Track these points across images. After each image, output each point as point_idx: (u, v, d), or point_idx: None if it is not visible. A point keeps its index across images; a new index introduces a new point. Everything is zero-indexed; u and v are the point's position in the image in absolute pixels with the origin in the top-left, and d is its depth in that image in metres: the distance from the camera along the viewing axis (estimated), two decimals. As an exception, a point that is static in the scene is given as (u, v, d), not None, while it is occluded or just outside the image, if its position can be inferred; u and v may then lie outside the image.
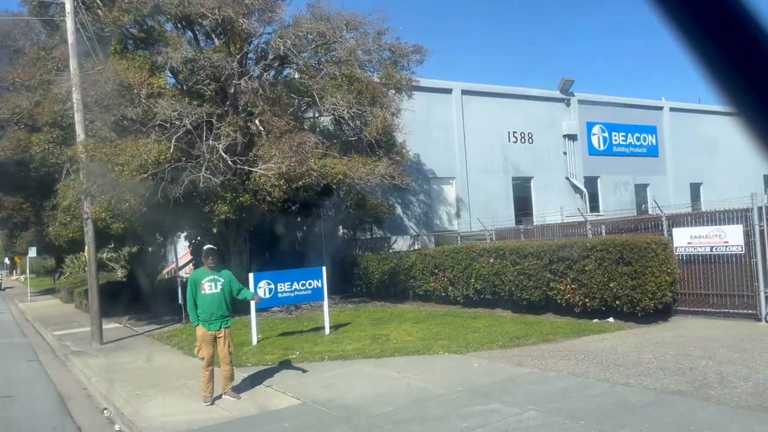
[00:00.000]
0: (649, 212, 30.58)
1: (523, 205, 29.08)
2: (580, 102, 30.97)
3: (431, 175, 26.56)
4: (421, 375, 8.57)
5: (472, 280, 15.55)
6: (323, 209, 23.99)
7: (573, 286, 12.60)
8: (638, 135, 32.94)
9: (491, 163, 28.10)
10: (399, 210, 25.51)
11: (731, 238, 11.21)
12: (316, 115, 19.27)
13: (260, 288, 11.99)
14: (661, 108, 34.22)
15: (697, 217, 11.80)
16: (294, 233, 24.05)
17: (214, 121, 14.98)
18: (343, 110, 15.85)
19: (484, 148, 27.86)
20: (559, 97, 30.42)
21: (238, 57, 15.71)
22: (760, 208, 10.82)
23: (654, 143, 33.54)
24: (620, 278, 11.59)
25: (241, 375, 8.94)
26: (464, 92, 27.66)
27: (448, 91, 27.39)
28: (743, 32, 0.80)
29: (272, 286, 12.30)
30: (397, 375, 8.69)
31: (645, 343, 9.68)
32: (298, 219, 23.03)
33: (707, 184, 34.54)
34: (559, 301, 13.05)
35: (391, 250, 21.96)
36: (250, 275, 12.09)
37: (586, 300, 12.34)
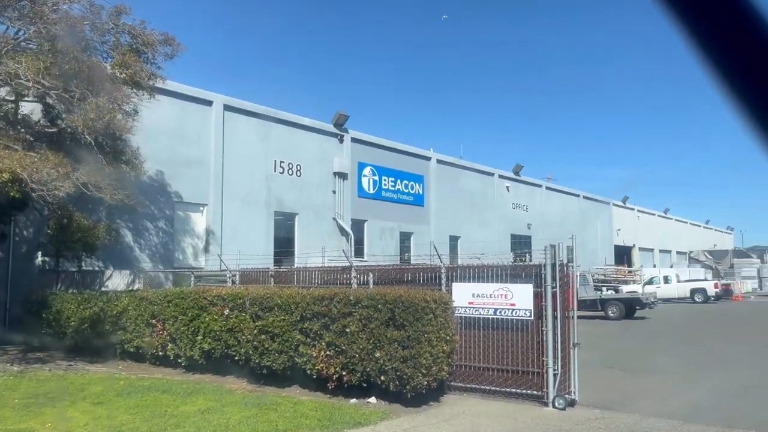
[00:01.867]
0: (411, 262, 29.75)
1: (285, 244, 25.81)
2: (354, 140, 29.24)
3: (177, 198, 21.94)
4: None
5: (200, 338, 11.52)
6: (16, 226, 17.86)
7: (329, 352, 9.39)
8: (407, 182, 32.33)
9: (252, 194, 24.45)
10: (129, 237, 20.32)
11: (519, 299, 9.08)
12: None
13: None
14: (429, 158, 34.30)
15: (481, 272, 9.56)
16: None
17: None
18: (29, 83, 10.89)
19: (245, 175, 24.16)
20: (333, 131, 28.27)
21: None
22: (554, 266, 8.85)
23: (421, 192, 33.26)
24: (389, 346, 8.69)
25: None
26: (228, 107, 23.81)
27: (208, 102, 23.29)
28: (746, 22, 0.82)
29: None
30: None
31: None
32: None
33: (464, 238, 35.21)
34: (309, 371, 9.74)
35: (104, 288, 16.76)
36: None
37: (344, 373, 9.21)
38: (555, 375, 8.77)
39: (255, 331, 10.39)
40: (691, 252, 64.27)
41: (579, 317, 24.55)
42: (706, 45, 0.85)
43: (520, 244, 41.02)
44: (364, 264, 17.35)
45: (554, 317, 8.82)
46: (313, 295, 9.79)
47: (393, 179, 31.45)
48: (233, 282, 13.46)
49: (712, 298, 37.38)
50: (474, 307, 9.55)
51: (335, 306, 9.35)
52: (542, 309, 8.90)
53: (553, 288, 8.84)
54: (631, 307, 26.45)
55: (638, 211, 59.91)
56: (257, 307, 10.45)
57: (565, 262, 9.10)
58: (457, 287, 9.76)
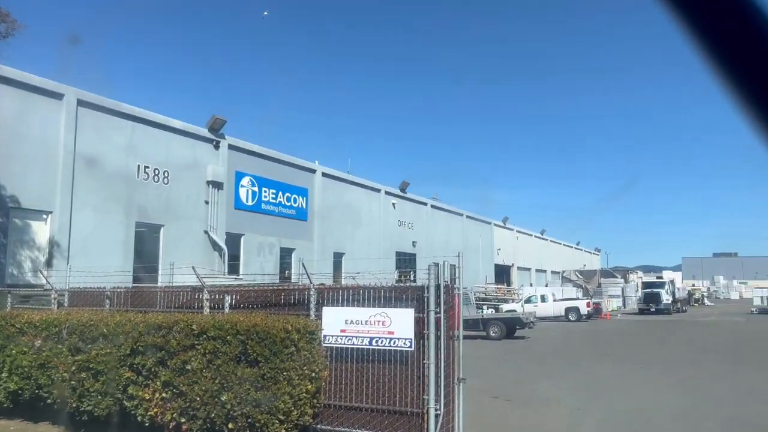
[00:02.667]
0: (292, 280, 27.90)
1: (148, 258, 23.03)
2: (232, 147, 27.07)
3: (13, 204, 18.74)
4: None
5: (4, 375, 9.15)
6: None
7: (164, 394, 7.53)
8: (289, 195, 30.54)
9: (109, 201, 21.57)
10: (-56, 248, 16.91)
11: (399, 327, 7.76)
12: None
13: None
14: (314, 171, 32.76)
15: (356, 294, 8.13)
16: None
17: None
18: None
19: (101, 180, 21.27)
20: (208, 136, 25.96)
21: None
22: (438, 287, 7.63)
23: (304, 206, 31.59)
24: (240, 387, 7.01)
25: None
26: (81, 102, 20.88)
27: (58, 96, 20.27)
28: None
29: None
30: None
31: None
32: None
33: (349, 254, 33.92)
34: (140, 417, 7.79)
35: None
36: None
37: (183, 420, 7.39)
38: (437, 416, 7.49)
39: (73, 368, 8.26)
40: (563, 272, 67.45)
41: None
42: (707, 39, 0.84)
43: (406, 261, 40.49)
44: (224, 283, 15.37)
45: (437, 348, 7.57)
46: (148, 323, 7.87)
47: (274, 191, 29.55)
48: (59, 304, 11.04)
49: (584, 317, 38.76)
50: (347, 336, 8.10)
51: (174, 337, 7.52)
52: (424, 338, 7.62)
53: (436, 313, 7.60)
54: (511, 327, 26.35)
55: (517, 231, 61.98)
56: (77, 337, 8.33)
57: (450, 282, 7.91)
58: (328, 312, 8.26)
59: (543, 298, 40.31)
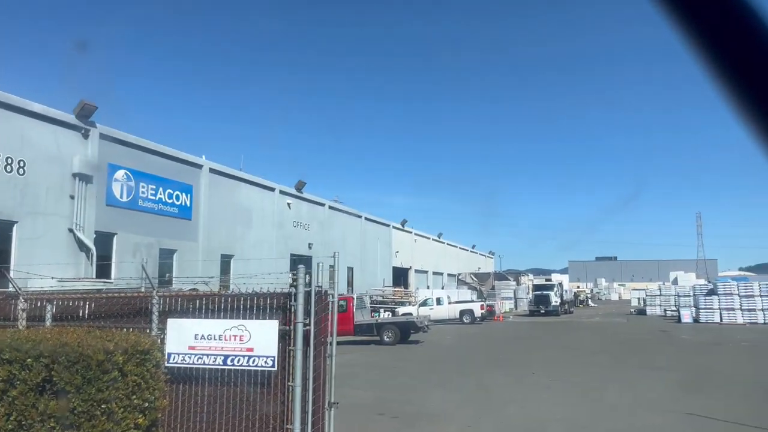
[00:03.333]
0: (173, 284, 25.61)
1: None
2: (104, 137, 24.31)
3: None
4: None
5: None
6: None
7: (-56, 437, 5.69)
8: (171, 191, 28.08)
9: (-54, 192, 18.45)
10: None
11: (259, 342, 6.43)
12: None
13: None
14: (200, 166, 30.43)
15: (210, 302, 6.69)
16: None
17: None
18: None
19: (-65, 168, 18.12)
20: (75, 123, 23.13)
21: None
22: (308, 294, 6.37)
23: (188, 204, 29.20)
24: (42, 425, 5.38)
25: None
26: None
27: None
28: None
29: None
30: None
31: None
32: None
33: (239, 256, 31.89)
34: None
35: None
36: None
37: (-33, 470, 5.60)
38: (304, 449, 6.22)
39: None
40: (459, 274, 68.53)
41: (354, 343, 22.86)
42: (706, 43, 0.86)
43: (301, 263, 38.91)
44: (86, 288, 13.29)
45: (305, 367, 6.31)
46: None
47: (154, 187, 27.01)
48: None
49: (478, 319, 39.01)
50: (196, 354, 6.64)
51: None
52: (290, 355, 6.34)
53: (305, 325, 6.34)
54: (406, 331, 25.60)
55: (415, 234, 62.11)
56: None
57: (325, 288, 6.68)
58: (173, 325, 6.76)
59: (438, 301, 40.21)
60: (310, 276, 6.68)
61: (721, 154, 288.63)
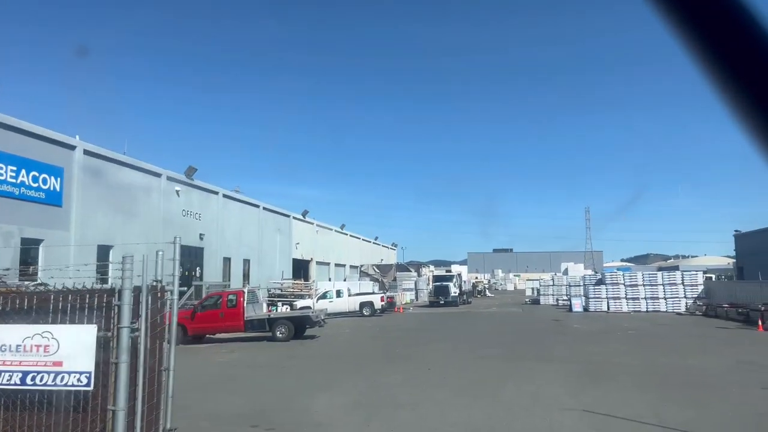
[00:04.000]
0: (39, 276, 22.73)
1: None
2: (-50, 108, 21.03)
3: None
4: None
5: None
6: None
7: None
8: (37, 174, 24.97)
9: None
10: None
11: (70, 354, 4.92)
12: None
13: None
14: (73, 147, 27.35)
15: (4, 303, 5.09)
16: None
17: None
18: None
19: None
20: None
21: None
22: (139, 290, 4.93)
23: (58, 189, 26.15)
24: None
25: None
26: None
27: None
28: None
29: None
30: None
31: None
32: None
33: (119, 248, 29.07)
34: None
35: None
36: None
37: None
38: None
39: None
40: (362, 266, 67.86)
41: (244, 339, 21.18)
42: (705, 47, 0.84)
43: (191, 255, 36.44)
44: None
45: (134, 384, 4.88)
46: None
47: (14, 168, 23.86)
48: None
49: (378, 311, 38.34)
50: (-12, 371, 5.02)
51: None
52: (112, 370, 4.88)
53: (134, 331, 4.91)
54: (301, 326, 24.24)
55: (317, 225, 60.68)
56: None
57: (163, 284, 5.27)
58: (-45, 333, 5.08)
59: (339, 293, 39.10)
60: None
61: (611, 154, 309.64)
